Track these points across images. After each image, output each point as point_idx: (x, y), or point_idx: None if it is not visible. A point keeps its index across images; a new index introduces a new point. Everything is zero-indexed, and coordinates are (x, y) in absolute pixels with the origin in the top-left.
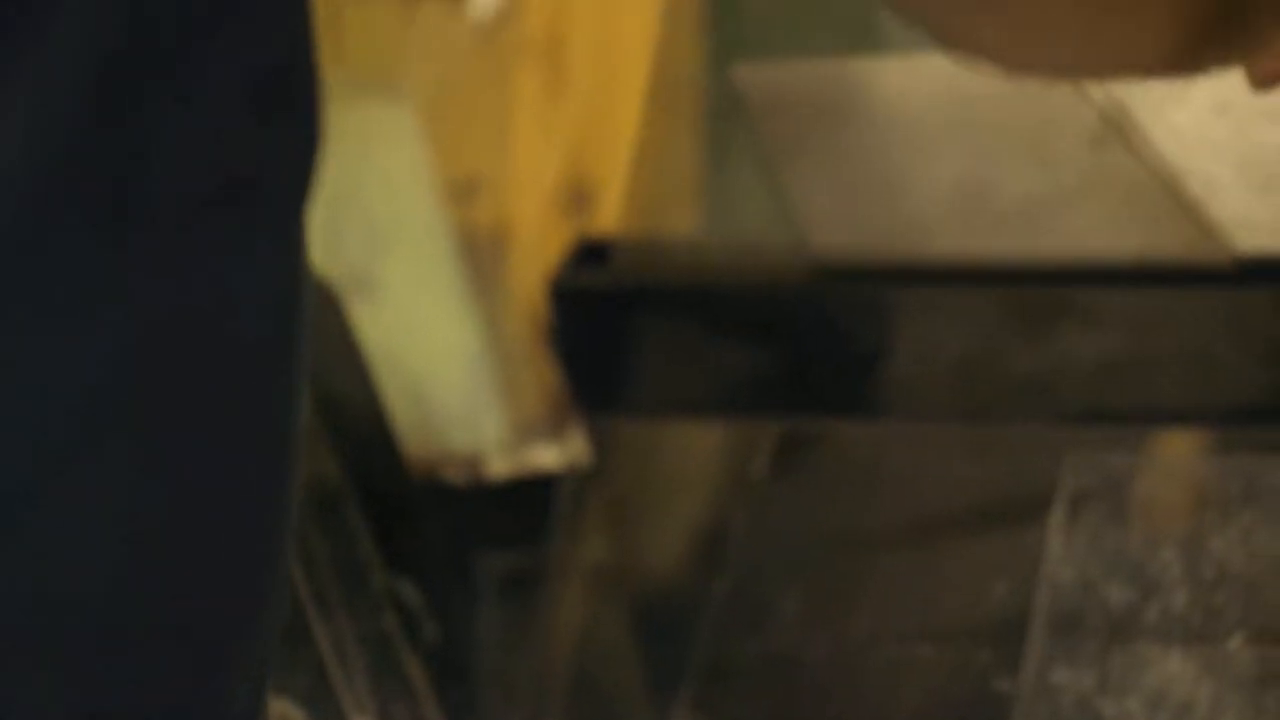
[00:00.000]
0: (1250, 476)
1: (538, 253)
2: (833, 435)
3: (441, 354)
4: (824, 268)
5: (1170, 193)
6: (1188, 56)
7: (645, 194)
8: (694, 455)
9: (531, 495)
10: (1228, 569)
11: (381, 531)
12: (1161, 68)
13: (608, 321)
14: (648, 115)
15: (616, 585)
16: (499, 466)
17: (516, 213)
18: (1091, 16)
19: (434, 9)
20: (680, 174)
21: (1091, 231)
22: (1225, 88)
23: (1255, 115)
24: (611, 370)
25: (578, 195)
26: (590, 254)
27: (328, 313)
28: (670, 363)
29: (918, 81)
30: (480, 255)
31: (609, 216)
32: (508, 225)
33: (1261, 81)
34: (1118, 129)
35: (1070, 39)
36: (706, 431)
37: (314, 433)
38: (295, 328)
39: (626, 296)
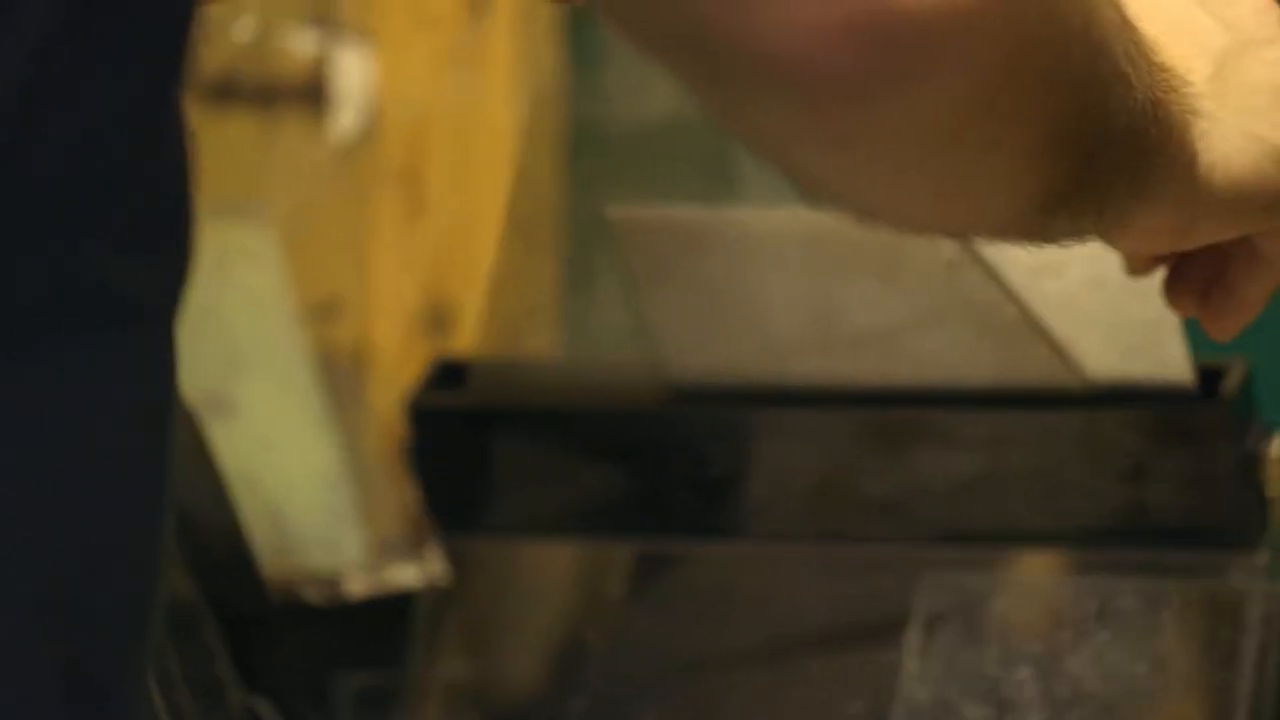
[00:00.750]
0: (1103, 597)
1: (396, 373)
2: (689, 555)
3: (300, 474)
4: (681, 390)
5: (1025, 316)
6: (1038, 221)
7: (503, 317)
8: (552, 575)
9: (390, 614)
10: (1081, 688)
11: (239, 650)
12: (1012, 230)
13: (464, 442)
14: (506, 241)
15: (474, 704)
16: (358, 586)
17: (375, 334)
18: (941, 171)
19: (293, 132)
20: (538, 299)
21: (947, 355)
22: (1103, 263)
23: (1128, 290)
24: (469, 490)
25: (436, 317)
26: (447, 374)
27: (185, 431)
28: (527, 483)
29: (781, 224)
30: (339, 376)
31: (467, 338)
32: (367, 346)
33: (1134, 269)
34: (973, 254)
35: (922, 191)
36: (564, 551)
37: (171, 551)
38: (163, 449)
39: (483, 417)
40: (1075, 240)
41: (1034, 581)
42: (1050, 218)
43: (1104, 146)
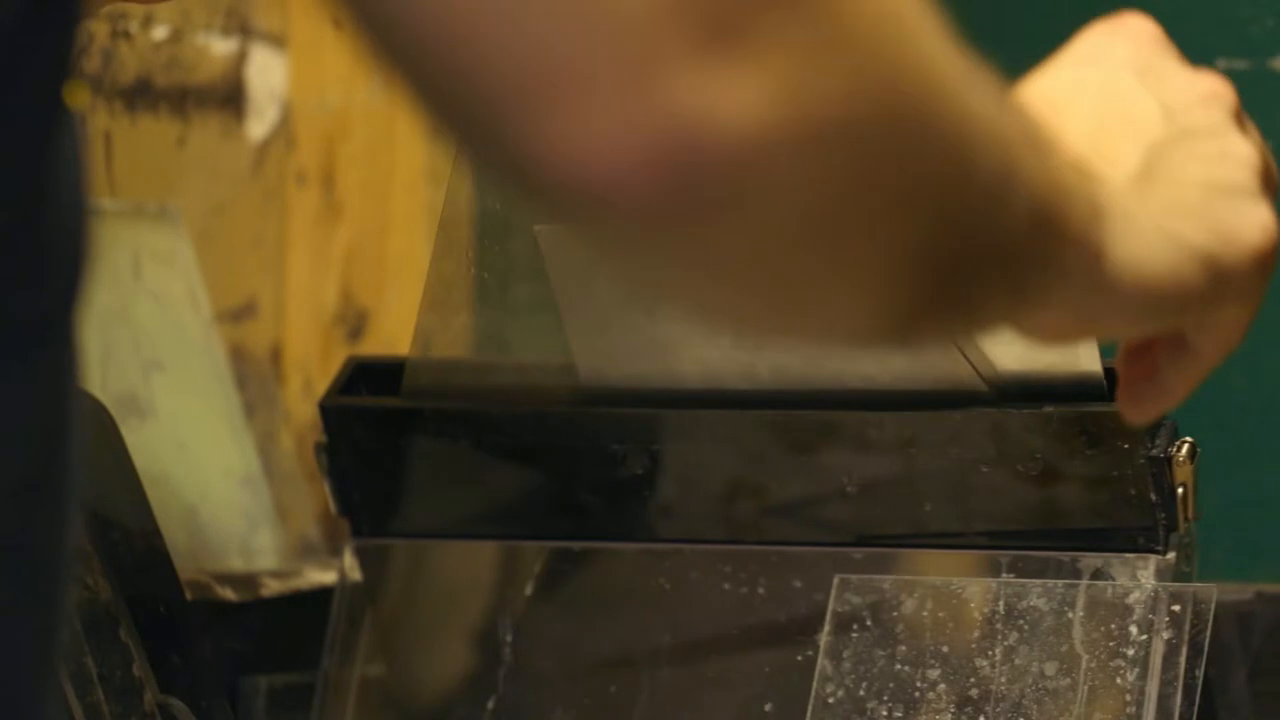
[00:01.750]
0: (1012, 597)
1: (311, 375)
2: (602, 555)
3: (215, 474)
4: (594, 392)
5: None
6: (900, 335)
7: (418, 319)
8: (465, 574)
9: (305, 614)
10: (991, 688)
11: (154, 649)
12: (873, 341)
13: (378, 442)
14: (422, 244)
15: (389, 704)
16: (273, 586)
17: (291, 335)
18: (779, 291)
19: (208, 134)
20: (454, 302)
21: (857, 357)
22: None
23: None
24: (383, 490)
25: (352, 319)
26: (361, 375)
27: (100, 432)
28: (441, 483)
29: None
30: (254, 377)
31: (382, 339)
32: (281, 347)
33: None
34: None
35: (763, 308)
36: (477, 551)
37: (86, 551)
38: (65, 452)
39: (397, 418)
40: (953, 340)
41: (944, 582)
42: (913, 331)
43: (972, 263)
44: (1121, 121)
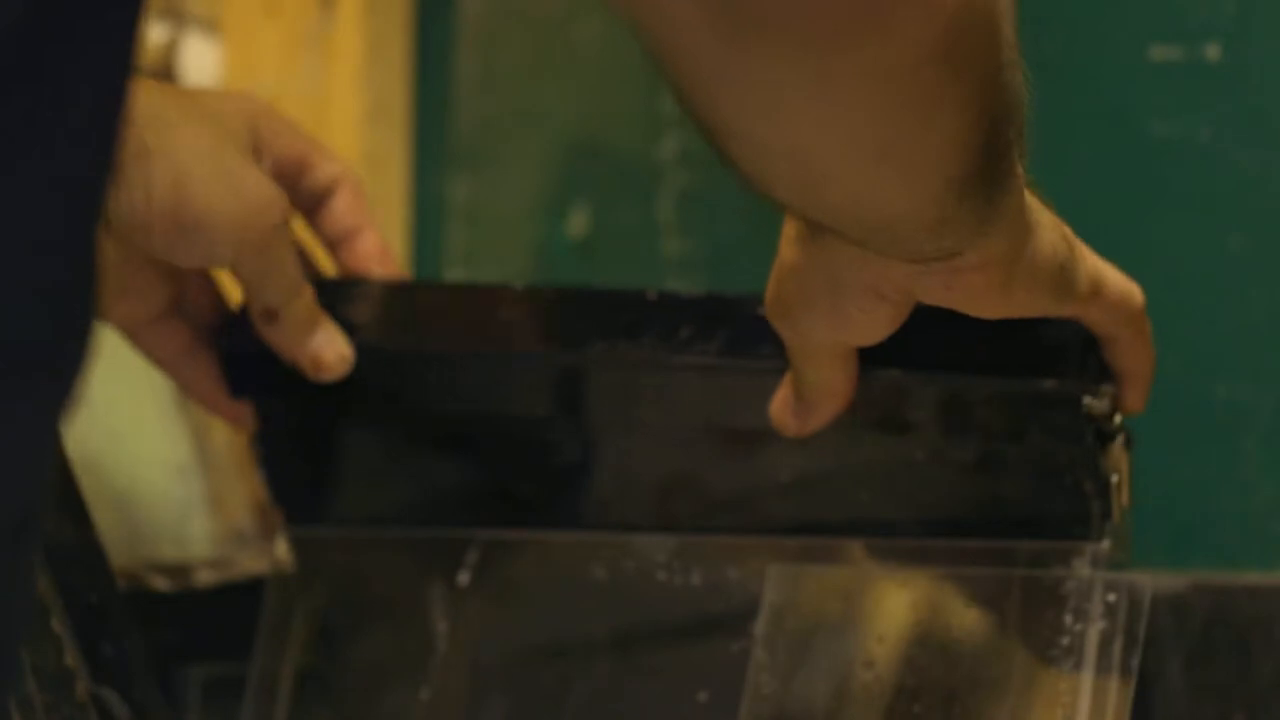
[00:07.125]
0: (948, 586)
1: None
2: (537, 544)
3: (148, 464)
4: (530, 388)
5: None
6: (940, 209)
7: None
8: (399, 563)
9: (239, 604)
10: (926, 677)
11: (86, 640)
12: (921, 217)
13: (312, 431)
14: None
15: (323, 695)
16: (206, 576)
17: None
18: (893, 127)
19: None
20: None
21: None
22: None
23: None
24: (316, 480)
25: None
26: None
27: None
28: (374, 473)
29: None
30: None
31: None
32: None
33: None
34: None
35: (869, 151)
36: (412, 541)
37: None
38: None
39: (330, 407)
40: (972, 231)
41: (879, 571)
42: (964, 195)
43: (1000, 136)
44: None
